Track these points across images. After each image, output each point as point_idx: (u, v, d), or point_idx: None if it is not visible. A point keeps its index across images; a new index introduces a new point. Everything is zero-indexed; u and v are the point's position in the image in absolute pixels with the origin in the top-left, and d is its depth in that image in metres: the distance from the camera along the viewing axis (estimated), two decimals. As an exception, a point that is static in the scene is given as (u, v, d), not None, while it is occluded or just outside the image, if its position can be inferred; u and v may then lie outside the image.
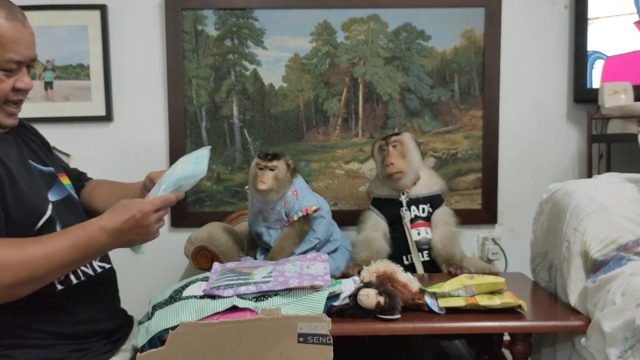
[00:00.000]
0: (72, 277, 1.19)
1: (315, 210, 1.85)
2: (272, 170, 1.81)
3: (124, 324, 1.34)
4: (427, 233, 1.87)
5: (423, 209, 1.89)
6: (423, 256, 1.85)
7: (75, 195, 1.34)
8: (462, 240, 1.91)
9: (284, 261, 1.54)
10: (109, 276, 1.33)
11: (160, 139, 2.40)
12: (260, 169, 1.81)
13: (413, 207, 1.89)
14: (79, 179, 1.44)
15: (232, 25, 2.35)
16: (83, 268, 1.22)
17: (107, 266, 1.31)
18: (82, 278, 1.21)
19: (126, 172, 2.37)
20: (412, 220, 1.88)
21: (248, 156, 2.38)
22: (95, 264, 1.27)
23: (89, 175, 1.51)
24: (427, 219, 1.89)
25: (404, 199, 1.88)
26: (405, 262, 1.85)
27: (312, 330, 1.08)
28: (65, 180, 1.31)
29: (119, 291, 1.38)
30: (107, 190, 1.41)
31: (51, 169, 1.27)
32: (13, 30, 1.11)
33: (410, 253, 1.85)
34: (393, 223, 1.90)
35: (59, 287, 1.16)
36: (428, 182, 1.94)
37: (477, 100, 2.40)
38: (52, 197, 1.21)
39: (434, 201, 1.91)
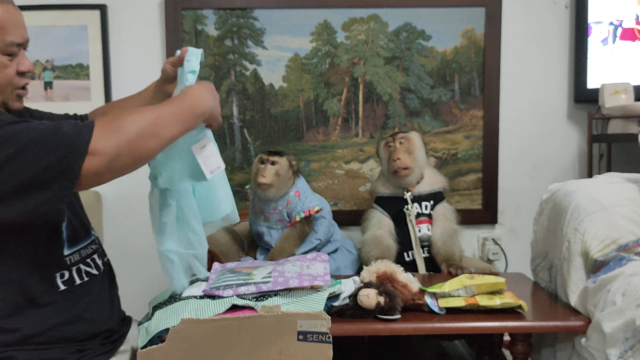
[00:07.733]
0: (76, 277, 1.19)
1: (318, 211, 1.85)
2: (272, 164, 1.81)
3: (123, 323, 1.34)
4: (428, 230, 1.87)
5: (426, 206, 1.90)
6: (423, 252, 1.86)
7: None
8: (462, 241, 1.91)
9: (284, 261, 1.54)
10: (110, 276, 1.33)
11: (160, 138, 2.39)
12: (262, 162, 1.81)
13: (416, 205, 1.89)
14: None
15: (232, 25, 2.35)
16: (87, 268, 1.22)
17: (105, 259, 1.32)
18: (85, 278, 1.21)
19: (126, 172, 2.38)
20: (415, 217, 1.88)
21: (248, 156, 2.38)
22: (99, 260, 1.27)
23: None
24: (429, 216, 1.90)
25: (408, 196, 1.88)
26: (407, 259, 1.85)
27: (312, 328, 1.08)
28: None
29: (120, 291, 1.38)
30: (129, 103, 1.51)
31: None
32: (9, 14, 1.12)
33: (412, 250, 1.85)
34: (395, 220, 1.90)
35: (62, 287, 1.16)
36: (431, 180, 1.94)
37: (478, 100, 2.39)
38: None
39: (436, 198, 1.91)
